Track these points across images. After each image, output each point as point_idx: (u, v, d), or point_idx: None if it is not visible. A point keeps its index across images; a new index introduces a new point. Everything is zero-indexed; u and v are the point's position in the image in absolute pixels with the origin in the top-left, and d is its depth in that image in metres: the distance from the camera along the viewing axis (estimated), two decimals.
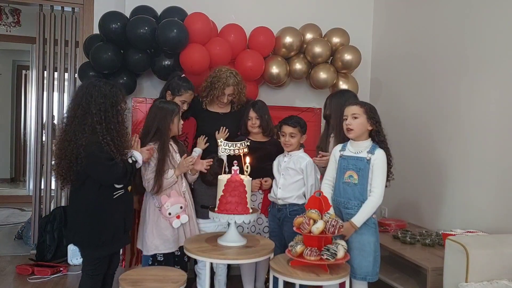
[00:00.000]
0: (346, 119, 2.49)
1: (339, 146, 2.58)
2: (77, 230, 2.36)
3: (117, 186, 2.39)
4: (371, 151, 2.44)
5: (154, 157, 2.68)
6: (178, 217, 2.71)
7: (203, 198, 2.90)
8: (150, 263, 2.77)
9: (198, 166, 2.79)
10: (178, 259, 2.84)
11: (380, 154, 2.43)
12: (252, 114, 3.04)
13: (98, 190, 2.33)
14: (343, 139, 2.62)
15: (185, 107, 3.05)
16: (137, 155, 2.50)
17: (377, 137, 2.48)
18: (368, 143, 2.48)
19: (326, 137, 2.96)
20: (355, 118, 2.45)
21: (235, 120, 3.19)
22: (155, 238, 2.70)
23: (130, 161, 2.42)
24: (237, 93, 3.17)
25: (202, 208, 2.86)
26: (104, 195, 2.35)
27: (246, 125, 3.07)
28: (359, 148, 2.48)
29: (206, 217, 2.80)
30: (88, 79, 3.23)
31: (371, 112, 2.46)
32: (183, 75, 3.18)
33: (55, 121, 4.25)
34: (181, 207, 2.72)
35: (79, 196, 2.37)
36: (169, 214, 2.68)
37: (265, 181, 2.95)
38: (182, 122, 2.83)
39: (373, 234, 2.45)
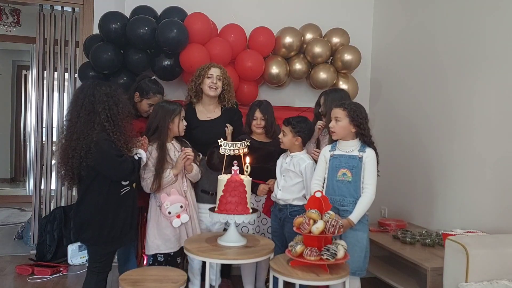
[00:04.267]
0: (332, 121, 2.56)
1: (329, 147, 2.62)
2: (86, 227, 2.41)
3: (123, 183, 2.45)
4: (362, 149, 2.51)
5: (152, 157, 2.69)
6: (178, 216, 2.71)
7: (204, 183, 2.92)
8: (150, 262, 2.77)
9: (179, 163, 2.74)
10: (171, 259, 2.80)
11: (370, 152, 2.51)
12: (257, 114, 3.02)
13: (107, 188, 2.39)
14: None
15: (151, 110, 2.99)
16: (142, 152, 2.56)
17: (363, 138, 2.53)
18: (356, 142, 2.54)
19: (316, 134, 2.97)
20: (337, 121, 2.52)
21: (223, 124, 3.10)
22: (156, 237, 2.71)
23: (136, 158, 2.49)
24: (224, 77, 3.06)
25: (202, 193, 2.91)
26: (112, 193, 2.41)
27: (250, 125, 3.07)
28: (348, 148, 2.54)
29: (205, 201, 2.86)
30: (88, 79, 3.27)
31: (354, 114, 2.50)
32: (154, 77, 3.15)
33: (55, 123, 4.24)
34: (181, 207, 2.72)
35: (88, 194, 2.40)
36: (169, 213, 2.69)
37: (269, 183, 2.94)
38: (185, 123, 2.82)
39: (366, 231, 2.53)
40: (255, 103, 3.10)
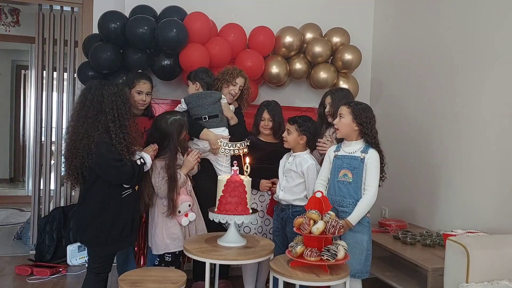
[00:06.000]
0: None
1: (334, 147, 2.61)
2: (86, 228, 2.40)
3: (125, 185, 2.43)
4: (365, 151, 2.48)
5: (159, 166, 2.67)
6: (186, 215, 2.72)
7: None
8: (156, 263, 2.76)
9: (191, 163, 2.77)
10: (175, 258, 2.79)
11: (373, 153, 2.47)
12: (265, 115, 3.02)
13: (107, 190, 2.38)
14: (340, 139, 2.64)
15: (143, 97, 2.93)
16: (146, 157, 2.51)
17: (365, 138, 2.49)
18: (360, 144, 2.51)
19: (320, 134, 2.93)
20: (341, 117, 2.51)
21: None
22: (164, 237, 2.70)
23: (139, 162, 2.45)
24: (245, 87, 3.17)
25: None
26: (113, 194, 2.40)
27: (258, 126, 3.06)
28: (352, 149, 2.51)
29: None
30: (87, 78, 3.26)
31: (358, 112, 2.47)
32: (140, 70, 3.12)
33: (54, 123, 4.23)
34: (189, 205, 2.74)
35: (88, 195, 2.40)
36: (179, 212, 2.70)
37: (274, 184, 2.92)
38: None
39: (366, 233, 2.49)
40: (263, 104, 3.09)
